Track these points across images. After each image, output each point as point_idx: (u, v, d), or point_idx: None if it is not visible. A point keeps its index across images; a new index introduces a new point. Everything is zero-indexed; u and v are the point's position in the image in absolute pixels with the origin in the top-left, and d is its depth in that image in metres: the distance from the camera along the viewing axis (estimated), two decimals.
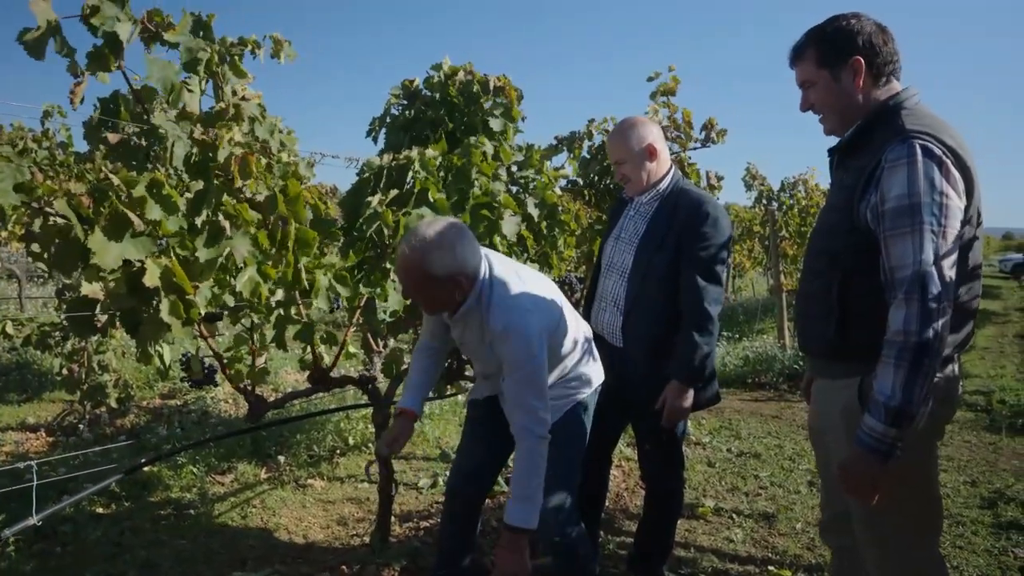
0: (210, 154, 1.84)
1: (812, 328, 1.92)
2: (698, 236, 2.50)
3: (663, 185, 2.63)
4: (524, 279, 2.22)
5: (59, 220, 1.68)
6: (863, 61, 1.76)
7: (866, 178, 1.68)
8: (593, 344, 2.52)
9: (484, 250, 2.19)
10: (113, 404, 5.00)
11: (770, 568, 3.17)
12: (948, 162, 1.62)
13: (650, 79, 4.22)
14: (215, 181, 1.88)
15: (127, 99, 1.92)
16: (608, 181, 4.24)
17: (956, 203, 1.62)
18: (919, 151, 1.61)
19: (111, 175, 1.67)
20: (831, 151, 1.92)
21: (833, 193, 1.91)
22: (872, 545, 1.85)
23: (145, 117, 1.89)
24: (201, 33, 1.93)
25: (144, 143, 1.86)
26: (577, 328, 2.41)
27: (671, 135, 4.25)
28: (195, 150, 1.87)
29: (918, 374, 1.57)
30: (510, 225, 2.95)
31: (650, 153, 2.59)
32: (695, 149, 4.38)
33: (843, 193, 1.78)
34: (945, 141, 1.64)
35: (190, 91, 1.90)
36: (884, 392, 1.60)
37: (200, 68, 1.92)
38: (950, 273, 1.60)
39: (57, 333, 4.77)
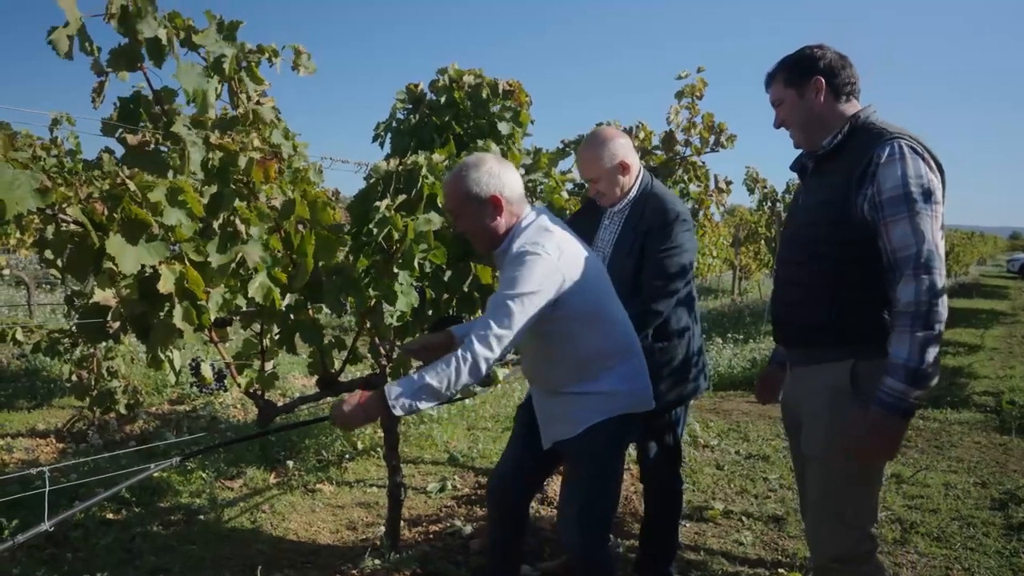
0: (231, 160, 1.86)
1: (797, 314, 2.10)
2: (659, 237, 2.60)
3: (633, 192, 2.70)
4: (569, 240, 2.18)
5: (73, 226, 1.69)
6: (824, 80, 2.04)
7: (859, 174, 1.90)
8: (639, 367, 2.29)
9: (541, 209, 2.23)
10: (122, 410, 5.01)
11: (780, 571, 3.16)
12: (928, 158, 1.89)
13: (679, 78, 4.22)
14: (233, 186, 1.89)
15: (147, 100, 1.93)
16: None
17: (939, 192, 1.88)
18: (906, 149, 1.87)
19: (127, 180, 1.68)
20: (806, 158, 2.16)
21: (814, 192, 2.10)
22: (825, 521, 2.05)
23: (164, 119, 1.90)
24: (223, 36, 1.94)
25: (162, 146, 1.87)
26: (614, 332, 2.24)
27: (685, 139, 4.24)
28: (212, 155, 1.88)
29: (931, 338, 1.79)
30: None
31: (623, 168, 2.66)
32: (706, 153, 4.38)
33: (828, 191, 1.99)
34: (922, 142, 1.91)
35: (214, 95, 1.92)
36: (901, 355, 1.81)
37: (224, 70, 1.94)
38: (943, 249, 1.86)
39: (66, 340, 4.79)
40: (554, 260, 2.03)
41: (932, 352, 1.80)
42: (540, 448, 2.35)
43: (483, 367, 1.94)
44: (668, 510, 2.89)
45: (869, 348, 1.95)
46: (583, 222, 2.78)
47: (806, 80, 2.05)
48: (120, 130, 1.89)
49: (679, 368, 2.72)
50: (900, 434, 1.86)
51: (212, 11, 1.95)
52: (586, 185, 4.08)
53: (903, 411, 1.82)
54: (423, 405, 1.95)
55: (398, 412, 1.93)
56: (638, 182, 2.70)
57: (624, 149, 2.66)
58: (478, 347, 1.92)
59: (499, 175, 2.14)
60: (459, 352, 1.95)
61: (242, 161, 1.88)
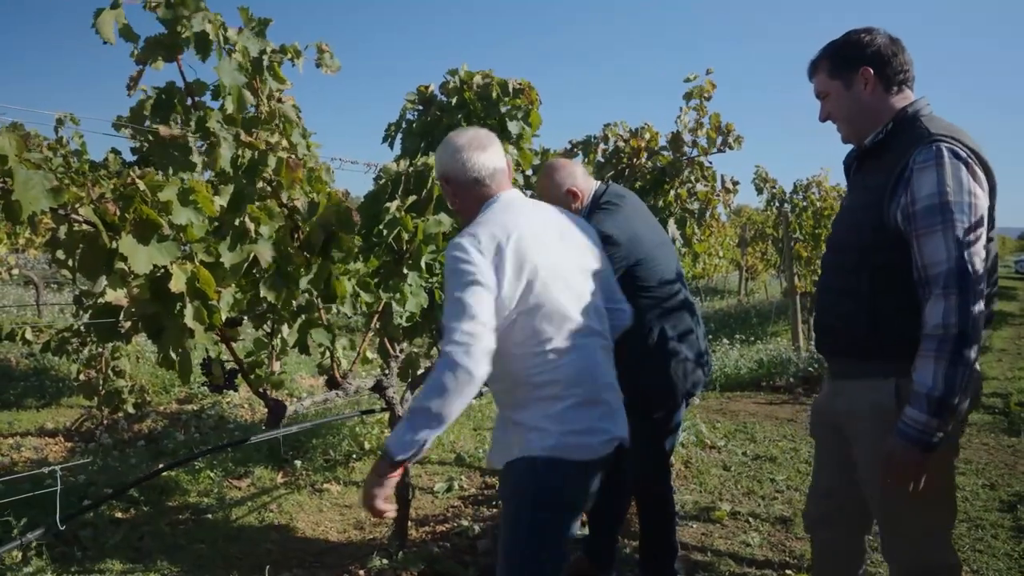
0: (261, 159, 1.87)
1: (838, 322, 1.94)
2: None
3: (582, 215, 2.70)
4: (539, 225, 1.88)
5: (85, 226, 1.70)
6: (872, 71, 1.85)
7: (895, 179, 1.75)
8: (590, 410, 1.84)
9: (513, 196, 1.94)
10: (130, 409, 5.04)
11: (788, 572, 3.15)
12: (973, 163, 1.70)
13: (687, 80, 4.23)
14: (260, 185, 1.90)
15: (180, 92, 1.93)
16: (623, 185, 4.24)
17: (983, 202, 1.69)
18: (946, 153, 1.69)
19: (137, 180, 1.69)
20: (852, 156, 1.99)
21: (856, 194, 1.95)
22: (896, 536, 1.89)
23: (194, 111, 1.91)
24: (254, 33, 1.96)
25: (192, 142, 1.86)
26: (563, 355, 1.82)
27: (693, 139, 4.25)
28: (241, 152, 1.89)
29: (958, 365, 1.63)
30: None
31: (571, 195, 2.68)
32: (713, 154, 4.38)
33: (868, 193, 1.84)
34: (968, 144, 1.72)
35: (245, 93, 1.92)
36: (926, 384, 1.65)
37: (264, 67, 1.95)
38: (981, 268, 1.66)
39: (74, 339, 4.82)
40: (482, 245, 1.75)
41: (959, 381, 1.63)
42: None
43: (464, 364, 1.63)
44: (662, 516, 2.89)
45: (908, 364, 1.76)
46: None
47: (853, 70, 1.87)
48: (148, 120, 1.90)
49: (673, 370, 2.71)
50: (920, 468, 1.69)
51: (244, 9, 1.96)
52: None
53: (924, 444, 1.66)
54: (422, 434, 1.67)
55: (401, 455, 1.67)
56: (588, 206, 2.71)
57: (571, 177, 2.70)
58: (447, 347, 1.66)
59: (450, 155, 1.91)
60: (436, 364, 1.71)
61: (272, 160, 1.89)
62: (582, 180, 2.73)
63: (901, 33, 1.90)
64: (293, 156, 1.95)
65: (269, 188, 1.94)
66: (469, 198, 1.92)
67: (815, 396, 2.26)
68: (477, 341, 1.65)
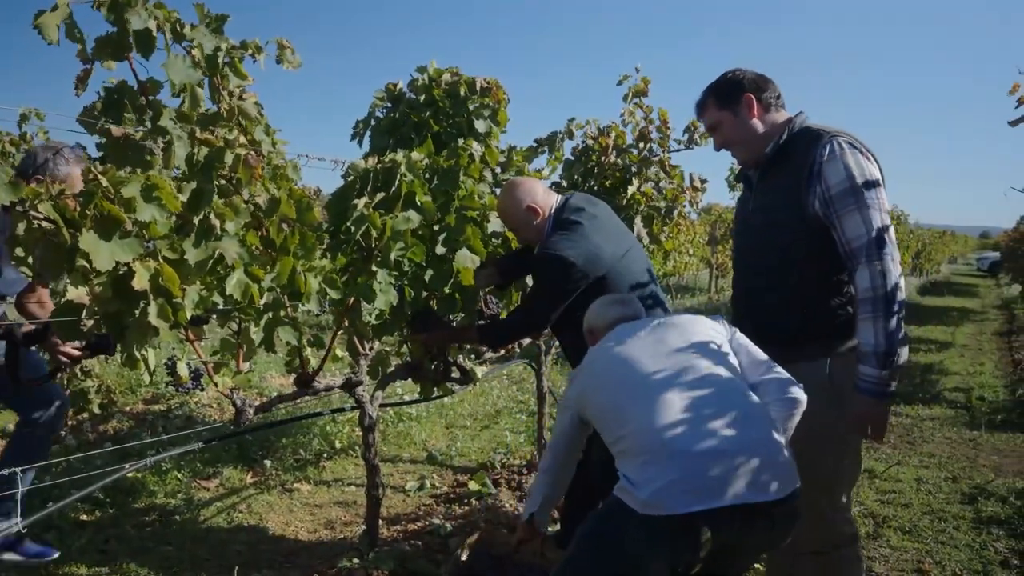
0: (217, 156, 1.84)
1: (769, 318, 2.17)
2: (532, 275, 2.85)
3: (545, 233, 2.74)
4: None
5: (44, 223, 1.67)
6: (752, 96, 2.18)
7: (806, 175, 2.02)
8: (672, 475, 1.66)
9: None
10: (96, 410, 4.94)
11: None
12: (866, 151, 2.03)
13: (619, 83, 4.27)
14: (218, 183, 1.88)
15: (132, 91, 1.90)
16: (592, 183, 4.26)
17: (881, 180, 2.01)
18: (845, 145, 2.01)
19: (99, 176, 1.66)
20: (750, 170, 2.28)
21: (767, 198, 2.19)
22: (811, 511, 2.01)
23: (149, 111, 1.87)
24: (210, 31, 1.92)
25: (147, 141, 1.83)
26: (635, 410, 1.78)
27: (650, 136, 4.28)
28: (197, 150, 1.86)
29: (891, 319, 1.90)
30: (495, 226, 2.97)
31: (531, 211, 2.71)
32: (678, 151, 4.41)
33: (780, 194, 2.12)
34: (858, 139, 2.04)
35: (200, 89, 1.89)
36: (869, 343, 1.92)
37: (218, 65, 1.92)
38: (893, 235, 1.98)
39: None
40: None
41: (895, 333, 1.90)
42: None
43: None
44: None
45: (843, 343, 2.07)
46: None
47: (737, 99, 2.19)
48: (101, 121, 1.86)
49: None
50: (886, 416, 1.99)
51: (200, 5, 1.93)
52: (564, 183, 4.09)
53: (882, 394, 1.93)
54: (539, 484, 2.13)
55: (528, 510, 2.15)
56: (548, 225, 2.73)
57: (530, 194, 2.73)
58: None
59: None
60: None
61: (229, 158, 1.86)
62: (542, 197, 2.75)
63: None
64: (251, 152, 1.92)
65: (230, 185, 1.92)
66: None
67: None
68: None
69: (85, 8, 1.77)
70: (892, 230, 1.99)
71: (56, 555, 3.20)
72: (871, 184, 1.97)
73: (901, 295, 1.93)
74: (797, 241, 2.08)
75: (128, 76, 1.90)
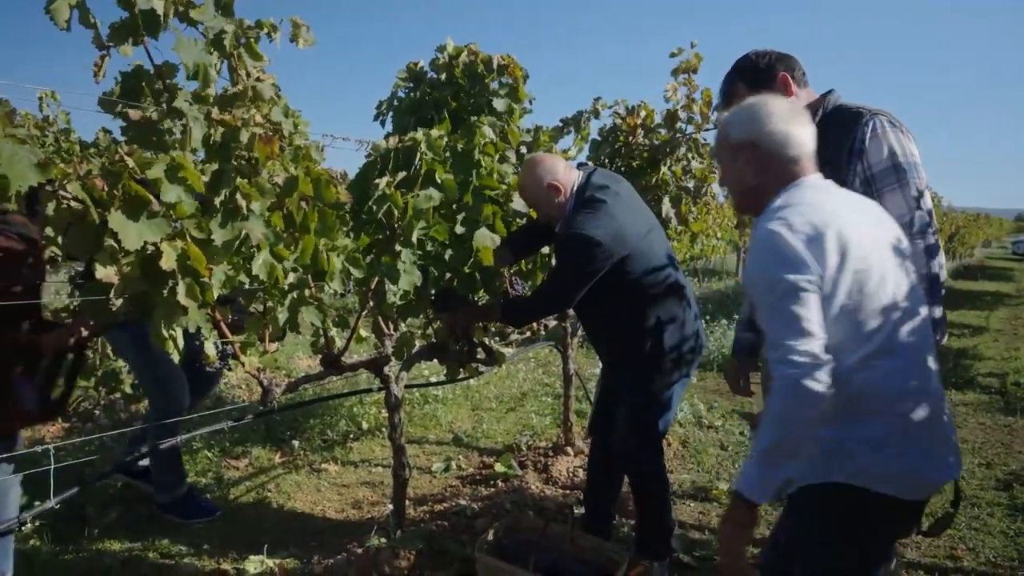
0: (232, 135, 1.84)
1: None
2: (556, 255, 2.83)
3: (569, 209, 2.71)
4: (850, 195, 1.77)
5: (73, 204, 1.68)
6: (788, 76, 2.15)
7: (847, 153, 2.02)
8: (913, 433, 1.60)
9: (821, 180, 1.72)
10: (128, 390, 5.02)
11: None
12: (906, 130, 2.04)
13: (672, 55, 4.17)
14: (235, 162, 1.87)
15: (149, 75, 1.90)
16: (620, 163, 4.21)
17: (919, 160, 2.03)
18: (887, 124, 2.02)
19: (125, 157, 1.66)
20: None
21: None
22: None
23: (166, 94, 1.87)
24: (220, 12, 1.91)
25: (164, 123, 1.84)
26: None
27: (680, 117, 4.21)
28: (214, 131, 1.86)
29: (934, 299, 1.91)
30: (519, 205, 2.95)
31: (553, 189, 2.69)
32: (707, 130, 4.34)
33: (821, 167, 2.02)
34: (896, 118, 2.05)
35: (214, 71, 1.89)
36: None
37: (226, 46, 1.90)
38: (932, 211, 2.02)
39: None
40: (804, 232, 1.55)
41: (937, 313, 1.94)
42: None
43: (811, 389, 1.46)
44: (652, 494, 2.89)
45: None
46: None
47: (771, 80, 2.14)
48: (120, 105, 1.86)
49: (664, 355, 2.71)
50: None
51: None
52: (591, 164, 4.06)
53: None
54: (782, 471, 1.54)
55: (763, 498, 1.55)
56: (570, 202, 2.70)
57: (552, 172, 2.69)
58: (784, 371, 1.48)
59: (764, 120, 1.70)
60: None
61: (244, 136, 1.86)
62: (563, 174, 2.71)
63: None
64: (266, 131, 1.92)
65: (249, 165, 1.91)
66: (770, 175, 1.69)
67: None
68: (817, 360, 1.46)
69: None
70: (933, 210, 2.02)
71: (219, 513, 3.56)
72: (912, 164, 1.99)
73: (944, 275, 1.96)
74: None
75: (145, 61, 1.90)
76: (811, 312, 1.49)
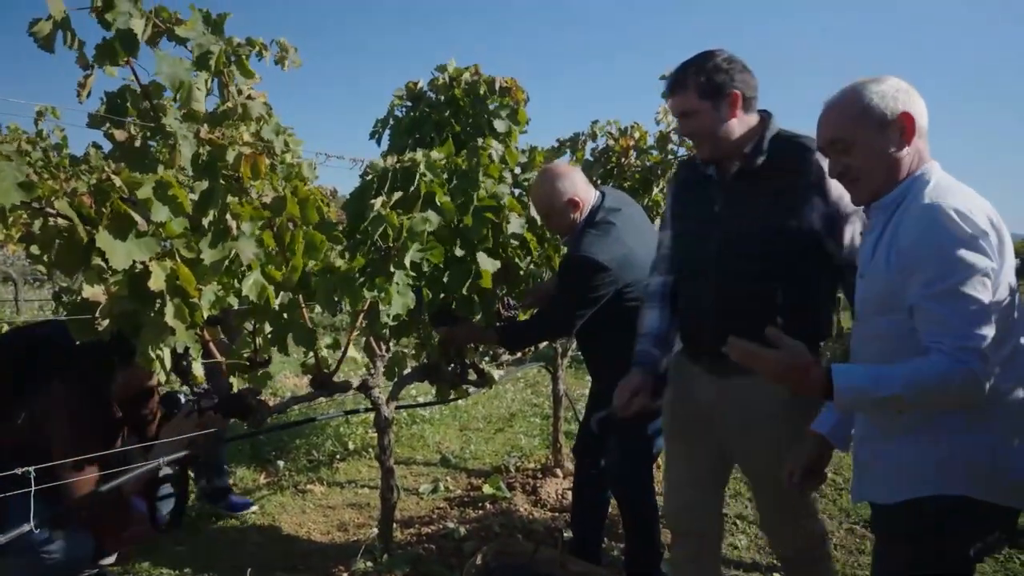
0: (219, 154, 1.81)
1: (748, 324, 1.78)
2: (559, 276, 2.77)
3: (577, 228, 2.69)
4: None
5: (60, 221, 1.65)
6: (740, 96, 2.00)
7: (803, 185, 1.95)
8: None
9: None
10: None
11: (775, 575, 3.14)
12: None
13: (662, 77, 4.18)
14: (222, 181, 1.85)
15: (135, 94, 1.88)
16: (612, 184, 4.21)
17: None
18: None
19: (113, 175, 1.63)
20: (706, 168, 2.13)
21: (745, 204, 2.04)
22: (786, 513, 2.17)
23: (152, 113, 1.85)
24: (210, 30, 1.90)
25: (151, 142, 1.81)
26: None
27: (679, 138, 4.22)
28: (203, 149, 1.84)
29: None
30: (515, 227, 2.93)
31: (572, 205, 2.65)
32: None
33: (766, 200, 2.00)
34: None
35: (199, 89, 1.86)
36: None
37: (212, 65, 1.88)
38: None
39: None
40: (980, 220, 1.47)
41: None
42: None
43: (982, 383, 1.41)
44: (636, 516, 2.86)
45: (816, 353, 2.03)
46: None
47: (723, 94, 1.99)
48: (107, 124, 1.84)
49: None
50: None
51: (196, 5, 1.90)
52: None
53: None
54: (879, 393, 1.45)
55: (842, 398, 1.49)
56: (582, 219, 2.68)
57: (573, 187, 2.66)
58: (968, 359, 1.40)
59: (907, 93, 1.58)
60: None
61: (230, 155, 1.83)
62: (583, 190, 2.68)
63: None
64: (253, 149, 1.89)
65: (234, 184, 1.89)
66: (916, 151, 1.58)
67: (668, 396, 2.31)
68: (988, 356, 1.41)
69: (83, 14, 1.75)
70: None
71: (254, 508, 3.75)
72: None
73: None
74: (788, 249, 1.97)
75: (132, 80, 1.88)
76: (990, 302, 1.43)
